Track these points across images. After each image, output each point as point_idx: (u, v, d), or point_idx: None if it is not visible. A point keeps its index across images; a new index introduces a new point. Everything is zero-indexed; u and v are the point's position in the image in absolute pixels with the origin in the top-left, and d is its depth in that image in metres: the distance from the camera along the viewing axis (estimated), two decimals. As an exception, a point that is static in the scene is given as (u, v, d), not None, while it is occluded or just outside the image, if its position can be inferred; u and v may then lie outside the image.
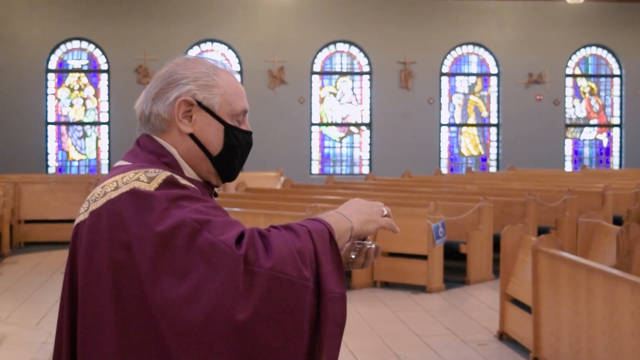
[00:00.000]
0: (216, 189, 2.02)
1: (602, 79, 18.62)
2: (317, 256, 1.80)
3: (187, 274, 1.72)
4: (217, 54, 17.25)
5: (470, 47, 18.16)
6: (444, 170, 17.80)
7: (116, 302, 1.76)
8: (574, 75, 18.50)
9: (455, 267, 9.76)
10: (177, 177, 1.86)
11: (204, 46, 17.25)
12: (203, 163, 1.96)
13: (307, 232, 1.82)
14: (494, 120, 18.38)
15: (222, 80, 1.97)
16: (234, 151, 1.97)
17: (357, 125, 17.93)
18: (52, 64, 17.09)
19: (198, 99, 1.93)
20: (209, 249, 1.73)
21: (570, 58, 18.30)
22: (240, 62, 17.21)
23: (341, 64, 17.91)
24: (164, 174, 1.85)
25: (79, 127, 17.30)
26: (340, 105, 17.92)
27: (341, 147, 17.99)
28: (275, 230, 1.82)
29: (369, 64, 17.72)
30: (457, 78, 18.27)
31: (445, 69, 18.07)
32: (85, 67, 17.24)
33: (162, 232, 1.74)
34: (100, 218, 1.82)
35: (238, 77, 2.05)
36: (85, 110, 17.29)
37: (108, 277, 1.78)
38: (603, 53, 18.46)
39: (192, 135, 1.94)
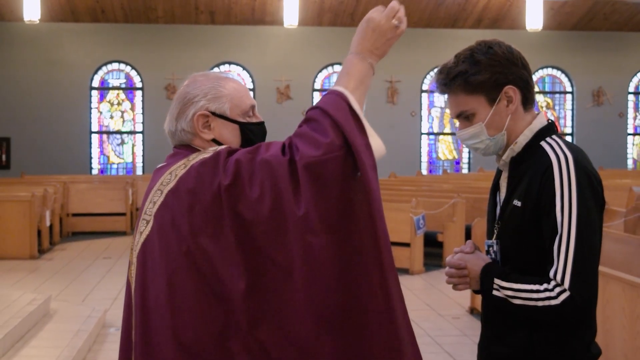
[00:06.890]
0: None
1: (557, 95, 18.60)
2: (337, 125, 1.79)
3: (256, 184, 1.77)
4: (233, 74, 17.20)
5: (446, 68, 18.12)
6: (424, 171, 17.78)
7: (233, 224, 1.77)
8: (533, 92, 18.48)
9: (434, 253, 9.77)
10: None
11: (222, 67, 17.24)
12: None
13: (321, 112, 1.82)
14: (466, 129, 18.34)
15: (226, 89, 2.02)
16: (251, 143, 1.97)
17: (351, 134, 17.87)
18: (95, 83, 17.08)
19: (211, 109, 1.97)
20: (263, 165, 1.78)
21: (530, 77, 18.28)
22: (252, 81, 17.21)
23: (338, 82, 17.89)
24: (222, 147, 1.91)
25: (118, 136, 17.29)
26: (337, 117, 17.86)
27: (338, 152, 17.92)
28: (298, 129, 1.84)
29: (361, 82, 17.65)
30: (436, 94, 18.23)
31: (425, 87, 18.06)
32: (123, 85, 17.23)
33: (229, 175, 1.79)
34: (179, 190, 1.84)
35: (240, 79, 2.08)
36: (123, 121, 17.29)
37: (212, 211, 1.79)
38: (557, 73, 18.45)
39: (214, 140, 1.97)
